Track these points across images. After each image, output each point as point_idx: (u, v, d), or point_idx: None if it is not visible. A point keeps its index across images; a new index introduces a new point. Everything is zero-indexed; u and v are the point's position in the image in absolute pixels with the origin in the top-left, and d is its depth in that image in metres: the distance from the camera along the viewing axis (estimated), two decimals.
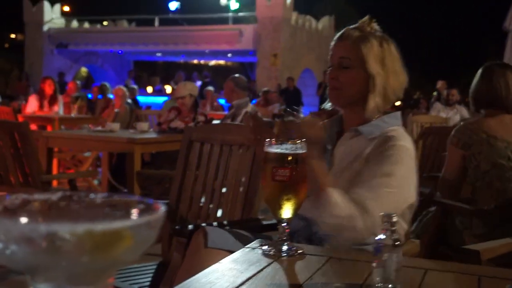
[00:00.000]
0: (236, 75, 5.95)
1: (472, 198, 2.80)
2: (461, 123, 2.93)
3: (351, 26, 1.92)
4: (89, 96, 12.01)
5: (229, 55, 19.54)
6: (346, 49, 1.84)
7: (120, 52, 20.52)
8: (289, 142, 1.13)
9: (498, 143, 2.72)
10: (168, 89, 20.79)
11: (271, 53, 16.44)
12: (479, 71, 2.89)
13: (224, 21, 19.06)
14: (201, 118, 5.75)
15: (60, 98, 8.53)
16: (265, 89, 12.91)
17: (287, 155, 1.12)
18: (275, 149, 1.13)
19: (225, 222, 2.26)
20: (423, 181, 4.51)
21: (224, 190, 2.61)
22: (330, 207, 1.55)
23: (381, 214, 0.95)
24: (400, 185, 1.71)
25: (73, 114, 8.42)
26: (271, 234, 2.02)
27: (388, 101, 1.84)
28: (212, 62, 25.11)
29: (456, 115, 8.57)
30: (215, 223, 2.20)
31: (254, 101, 15.60)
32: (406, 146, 1.76)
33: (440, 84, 13.09)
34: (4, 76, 23.10)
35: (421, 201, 3.53)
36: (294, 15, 17.31)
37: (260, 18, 16.60)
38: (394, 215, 0.93)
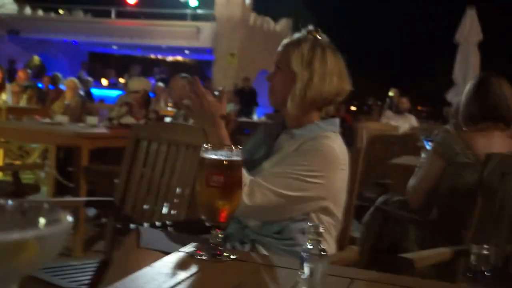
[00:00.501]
0: (183, 74, 5.91)
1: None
2: (445, 132, 2.77)
3: (295, 35, 1.97)
4: (40, 86, 11.73)
5: (186, 52, 19.43)
6: (279, 53, 1.93)
7: (74, 42, 20.12)
8: (225, 149, 1.14)
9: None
10: (123, 82, 20.53)
11: (228, 52, 16.43)
12: (473, 82, 2.83)
13: (183, 17, 18.93)
14: (152, 115, 5.70)
15: (8, 87, 8.31)
16: (220, 88, 12.87)
17: (222, 161, 1.13)
18: (210, 155, 1.14)
19: (168, 222, 2.25)
20: (370, 187, 4.63)
21: (169, 189, 2.60)
22: None
23: (309, 224, 0.97)
24: (304, 179, 1.75)
25: (22, 103, 8.23)
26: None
27: (312, 103, 1.87)
28: (170, 58, 24.90)
29: (405, 123, 8.76)
30: (158, 223, 2.20)
31: None
32: (331, 145, 1.81)
33: (392, 92, 13.32)
34: None
35: (366, 206, 3.61)
36: (253, 15, 17.35)
37: (219, 17, 16.58)
38: (321, 225, 0.95)
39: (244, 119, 10.71)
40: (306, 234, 1.82)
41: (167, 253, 1.42)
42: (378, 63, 36.47)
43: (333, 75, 1.86)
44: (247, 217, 1.84)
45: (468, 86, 2.83)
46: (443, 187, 2.70)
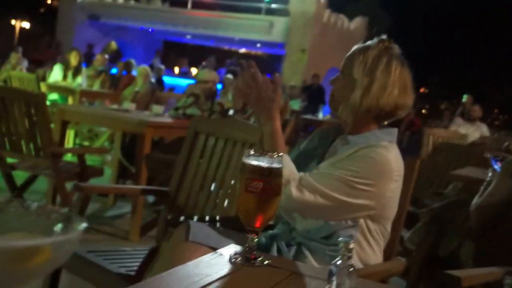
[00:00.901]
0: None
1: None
2: None
3: (367, 42, 1.95)
4: (114, 71, 12.10)
5: (258, 45, 19.53)
6: (346, 58, 1.92)
7: (150, 30, 20.62)
8: (267, 156, 1.15)
9: None
10: (195, 72, 20.85)
11: (300, 48, 16.39)
12: None
13: (257, 11, 19.00)
14: (217, 108, 5.78)
15: (84, 71, 8.62)
16: (291, 84, 12.89)
17: (262, 168, 1.14)
18: (252, 160, 1.16)
19: (217, 217, 2.30)
20: (430, 196, 4.53)
21: (222, 184, 2.64)
22: None
23: (341, 239, 0.97)
24: (353, 185, 1.73)
25: (95, 87, 8.52)
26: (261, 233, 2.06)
27: (367, 113, 1.85)
28: (242, 50, 25.10)
29: (475, 131, 8.49)
30: (207, 217, 2.24)
31: None
32: (385, 155, 1.78)
33: (466, 98, 12.91)
34: (35, 40, 23.35)
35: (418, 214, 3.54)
36: (327, 13, 17.22)
37: (292, 12, 16.55)
38: (351, 241, 0.95)
39: (309, 116, 10.68)
40: (353, 241, 1.82)
41: (214, 249, 1.45)
42: (456, 66, 35.40)
43: (394, 87, 1.82)
44: (292, 211, 1.82)
45: None
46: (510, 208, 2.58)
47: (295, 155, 2.05)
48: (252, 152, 1.15)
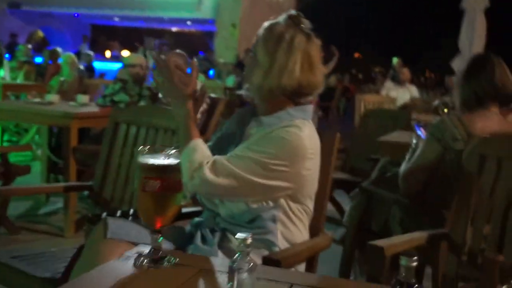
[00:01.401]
0: (178, 50, 5.84)
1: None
2: (450, 116, 2.61)
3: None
4: (40, 60, 11.67)
5: (188, 22, 19.29)
6: (256, 37, 1.89)
7: (76, 15, 19.97)
8: (162, 152, 1.11)
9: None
10: (126, 54, 20.40)
11: (230, 23, 16.27)
12: (472, 62, 2.69)
13: None
14: (146, 92, 5.66)
15: (6, 63, 8.28)
16: (222, 61, 12.78)
17: (158, 165, 1.10)
18: (147, 158, 1.11)
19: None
20: (363, 162, 4.60)
21: None
22: (189, 151, 1.70)
23: (238, 236, 0.94)
24: (268, 167, 1.72)
25: (19, 80, 8.20)
26: (188, 222, 2.03)
27: (271, 93, 1.82)
28: (174, 29, 24.72)
29: (405, 94, 8.68)
30: (131, 211, 2.18)
31: (212, 72, 15.48)
32: (298, 134, 1.76)
33: (395, 61, 13.16)
34: None
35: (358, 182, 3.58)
36: None
37: None
38: (249, 236, 0.93)
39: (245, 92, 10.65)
40: (277, 221, 1.82)
41: (135, 244, 1.41)
42: (385, 32, 36.12)
43: (296, 65, 1.78)
44: (209, 195, 1.81)
45: (467, 67, 2.70)
46: (439, 173, 2.60)
47: (216, 138, 2.02)
48: (146, 150, 1.11)
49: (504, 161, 2.10)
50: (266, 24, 1.90)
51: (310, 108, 1.89)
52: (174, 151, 1.12)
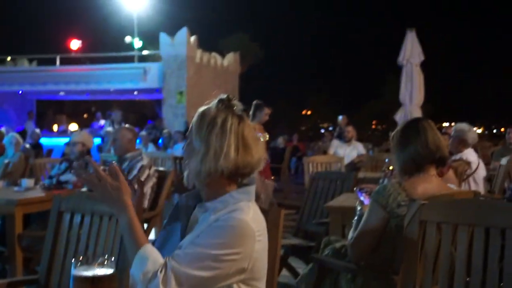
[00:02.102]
0: (127, 125, 5.84)
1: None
2: (392, 182, 2.68)
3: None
4: None
5: (135, 93, 19.33)
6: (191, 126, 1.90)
7: (19, 92, 19.75)
8: (96, 265, 1.10)
9: None
10: (74, 127, 20.18)
11: (177, 91, 16.41)
12: (404, 128, 2.78)
13: (129, 59, 18.87)
14: (92, 170, 5.56)
15: None
16: (165, 130, 12.79)
17: (90, 278, 1.09)
18: (80, 271, 1.10)
19: None
20: (314, 226, 4.62)
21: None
22: (139, 261, 1.67)
23: None
24: (219, 259, 1.71)
25: None
26: None
27: (209, 176, 1.82)
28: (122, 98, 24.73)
29: (352, 151, 8.84)
30: None
31: (161, 140, 15.44)
32: (243, 218, 1.77)
33: (340, 119, 13.46)
34: None
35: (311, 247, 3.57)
36: (199, 53, 17.41)
37: (165, 57, 16.58)
38: None
39: None
40: None
41: None
42: (333, 88, 37.21)
43: (230, 148, 1.80)
44: None
45: (401, 134, 2.78)
46: (385, 239, 2.63)
47: (162, 230, 1.99)
48: (79, 262, 1.09)
49: (444, 226, 2.16)
50: (199, 110, 1.93)
51: (252, 189, 1.90)
52: (109, 260, 1.11)
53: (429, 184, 2.67)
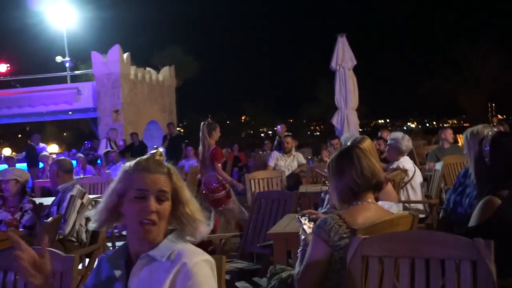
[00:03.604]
0: (61, 157, 5.68)
1: None
2: (332, 215, 2.64)
3: (145, 158, 1.91)
4: None
5: (70, 113, 18.85)
6: (164, 182, 1.86)
7: None
8: None
9: None
10: (7, 152, 19.48)
11: (112, 109, 16.10)
12: (338, 158, 2.78)
13: (62, 80, 18.40)
14: (29, 206, 5.39)
15: None
16: (105, 150, 12.51)
17: None
18: None
19: None
20: (259, 249, 4.60)
21: None
22: None
23: None
24: None
25: None
26: None
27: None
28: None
29: (293, 162, 8.90)
30: None
31: (99, 161, 15.09)
32: (200, 263, 1.81)
33: (280, 129, 13.52)
34: None
35: None
36: (133, 69, 17.15)
37: (98, 76, 16.23)
38: None
39: None
40: None
41: None
42: (270, 95, 37.65)
43: None
44: None
45: (336, 165, 2.77)
46: (331, 272, 2.60)
47: None
48: None
49: (386, 259, 2.17)
50: (151, 166, 1.90)
51: (181, 231, 1.90)
52: None
53: (368, 212, 2.68)
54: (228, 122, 38.56)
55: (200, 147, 6.86)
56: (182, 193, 1.88)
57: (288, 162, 8.91)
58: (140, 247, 1.85)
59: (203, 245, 1.95)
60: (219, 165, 6.74)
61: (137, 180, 1.82)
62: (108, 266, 1.90)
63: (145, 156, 1.90)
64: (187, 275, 1.77)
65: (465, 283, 2.00)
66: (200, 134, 6.82)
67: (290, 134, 10.16)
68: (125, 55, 16.49)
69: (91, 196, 6.27)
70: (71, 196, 5.02)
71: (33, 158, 15.18)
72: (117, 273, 1.87)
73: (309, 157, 10.66)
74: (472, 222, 2.77)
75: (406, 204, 5.66)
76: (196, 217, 1.90)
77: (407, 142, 6.03)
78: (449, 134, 8.51)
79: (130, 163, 1.89)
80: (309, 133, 41.46)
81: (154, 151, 1.95)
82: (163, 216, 1.83)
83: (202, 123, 6.94)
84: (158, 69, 19.93)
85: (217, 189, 6.64)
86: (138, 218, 1.80)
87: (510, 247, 2.60)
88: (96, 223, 1.90)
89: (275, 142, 14.29)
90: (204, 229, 1.92)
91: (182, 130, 32.22)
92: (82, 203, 5.07)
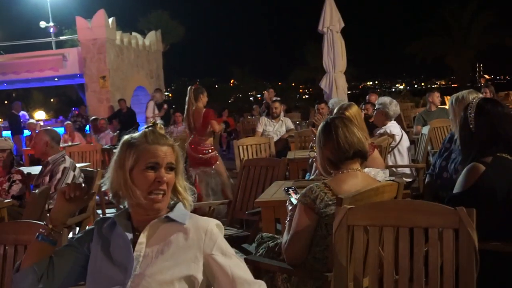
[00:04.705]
0: (49, 127, 5.65)
1: None
2: (318, 183, 2.70)
3: (151, 130, 1.94)
4: None
5: (56, 79, 18.62)
6: (171, 154, 1.92)
7: None
8: None
9: None
10: None
11: (99, 76, 15.93)
12: (322, 129, 2.82)
13: (46, 46, 18.12)
14: (17, 177, 5.38)
15: None
16: (93, 117, 12.42)
17: None
18: None
19: None
20: (247, 215, 4.64)
21: None
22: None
23: None
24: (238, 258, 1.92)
25: None
26: None
27: None
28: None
29: (281, 127, 8.91)
30: None
31: (88, 128, 15.03)
32: (217, 226, 1.92)
33: (267, 93, 13.47)
34: None
35: None
36: (119, 34, 16.90)
37: (83, 41, 16.00)
38: None
39: None
40: None
41: None
42: (258, 59, 37.50)
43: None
44: None
45: (318, 135, 2.83)
46: (317, 239, 2.68)
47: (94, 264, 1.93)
48: None
49: (371, 228, 2.21)
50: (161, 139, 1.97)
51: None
52: None
53: (354, 179, 2.72)
54: (216, 86, 38.32)
55: (186, 112, 6.91)
56: (180, 164, 1.96)
57: (276, 128, 8.92)
58: (145, 217, 1.91)
59: (194, 212, 2.01)
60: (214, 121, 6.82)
61: (148, 153, 1.88)
62: (120, 229, 1.92)
63: (148, 130, 1.93)
64: (212, 238, 1.87)
65: (447, 250, 2.05)
66: (187, 98, 6.86)
67: (278, 99, 10.18)
68: (110, 20, 16.23)
69: (80, 165, 6.29)
70: (65, 168, 5.02)
71: (16, 126, 15.09)
72: (129, 235, 1.90)
73: (297, 122, 10.66)
74: (456, 189, 2.82)
75: (393, 169, 5.72)
76: (186, 187, 1.99)
77: (394, 107, 6.06)
78: (436, 97, 8.55)
79: (131, 137, 1.94)
80: (298, 96, 41.39)
81: (153, 123, 1.97)
82: (171, 186, 1.92)
83: (189, 88, 6.96)
84: (144, 34, 19.67)
85: (205, 150, 6.76)
86: (150, 188, 1.87)
87: (493, 212, 2.67)
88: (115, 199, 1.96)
89: (262, 106, 14.27)
90: (191, 198, 2.01)
91: (170, 95, 32.05)
92: (74, 175, 5.07)
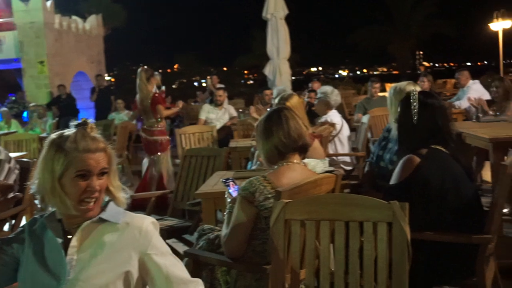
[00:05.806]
0: None
1: None
2: (257, 177, 2.69)
3: (81, 135, 1.81)
4: None
5: None
6: (104, 159, 1.83)
7: None
8: None
9: None
10: None
11: (37, 61, 15.45)
12: (265, 120, 2.83)
13: None
14: None
15: None
16: (32, 104, 12.03)
17: None
18: None
19: None
20: (189, 206, 4.60)
21: None
22: None
23: None
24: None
25: None
26: None
27: None
28: None
29: (224, 114, 8.88)
30: None
31: (25, 114, 14.55)
32: (152, 224, 1.88)
33: (210, 80, 13.39)
34: None
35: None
36: (57, 18, 16.41)
37: (20, 24, 15.46)
38: None
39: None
40: None
41: None
42: (203, 45, 37.23)
43: None
44: None
45: (264, 125, 2.82)
46: (256, 232, 2.69)
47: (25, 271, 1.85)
48: None
49: (307, 223, 2.23)
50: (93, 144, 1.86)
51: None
52: None
53: (293, 172, 2.73)
54: (160, 71, 37.82)
55: (138, 95, 6.82)
56: (113, 165, 1.87)
57: (219, 115, 8.89)
58: (76, 219, 1.82)
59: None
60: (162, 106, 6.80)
61: (79, 162, 1.76)
62: (50, 233, 1.84)
63: (78, 133, 1.80)
64: (147, 237, 1.84)
65: (381, 243, 2.08)
66: (138, 80, 6.79)
67: (222, 86, 10.14)
68: (48, 3, 15.74)
69: (16, 154, 6.09)
70: (1, 160, 4.83)
71: None
72: (60, 240, 1.82)
73: (241, 110, 10.65)
74: (393, 180, 2.87)
75: (334, 157, 5.80)
76: (119, 187, 1.91)
77: (335, 97, 6.14)
78: (377, 87, 8.70)
79: (60, 138, 1.81)
80: (242, 81, 41.38)
81: (84, 121, 1.85)
82: (103, 190, 1.83)
83: (139, 69, 6.89)
84: (84, 18, 19.17)
85: (158, 132, 6.83)
86: (81, 197, 1.78)
87: (428, 203, 2.74)
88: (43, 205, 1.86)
89: (206, 92, 14.16)
90: (124, 195, 1.93)
91: (113, 80, 31.41)
92: (9, 168, 4.89)
